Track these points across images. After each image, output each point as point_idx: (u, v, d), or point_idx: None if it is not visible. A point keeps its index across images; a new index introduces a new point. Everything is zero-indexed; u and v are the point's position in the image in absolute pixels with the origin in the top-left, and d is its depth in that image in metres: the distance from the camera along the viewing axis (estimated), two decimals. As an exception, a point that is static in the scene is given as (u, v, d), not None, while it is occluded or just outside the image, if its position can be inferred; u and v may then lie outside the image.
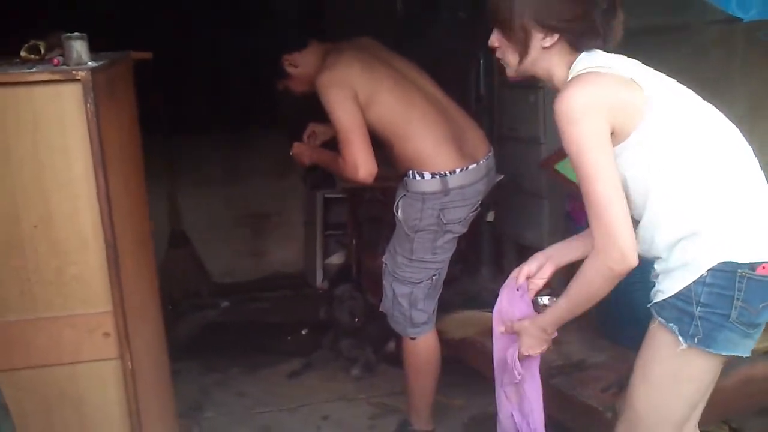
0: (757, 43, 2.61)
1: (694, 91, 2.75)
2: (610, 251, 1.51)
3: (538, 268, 1.87)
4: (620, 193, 1.53)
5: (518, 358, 1.82)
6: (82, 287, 1.72)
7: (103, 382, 1.79)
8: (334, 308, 3.63)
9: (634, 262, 1.52)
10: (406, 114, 2.38)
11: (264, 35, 2.75)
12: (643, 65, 1.66)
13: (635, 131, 1.54)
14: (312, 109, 2.51)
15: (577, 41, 1.61)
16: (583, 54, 1.62)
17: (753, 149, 2.64)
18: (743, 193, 1.57)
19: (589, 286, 1.59)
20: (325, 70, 2.38)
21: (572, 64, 1.62)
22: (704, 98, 2.72)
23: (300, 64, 2.50)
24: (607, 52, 1.63)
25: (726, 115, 2.70)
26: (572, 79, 1.59)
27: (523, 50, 1.63)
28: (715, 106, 2.73)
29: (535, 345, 1.78)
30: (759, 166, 1.62)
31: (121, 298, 1.75)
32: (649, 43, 3.04)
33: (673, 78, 2.79)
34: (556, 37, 1.61)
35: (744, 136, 2.68)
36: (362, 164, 2.32)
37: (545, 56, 1.64)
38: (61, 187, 1.67)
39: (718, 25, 2.73)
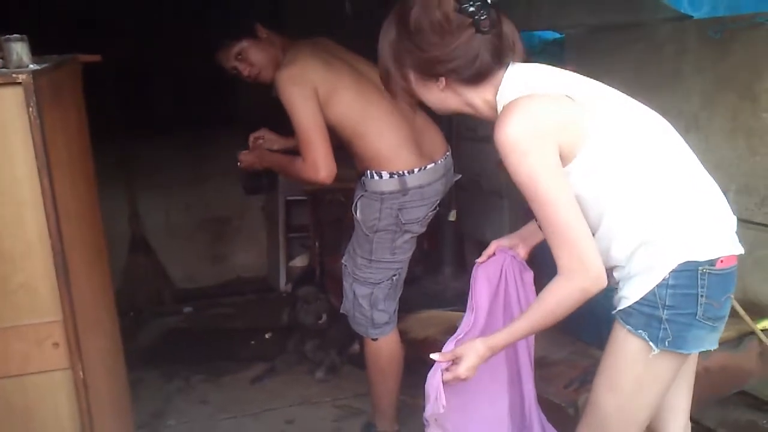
0: (708, 40, 2.65)
1: (648, 87, 2.80)
2: (582, 275, 1.47)
3: (511, 247, 1.86)
4: (581, 215, 1.49)
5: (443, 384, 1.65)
6: (29, 296, 1.66)
7: (54, 394, 1.73)
8: (299, 310, 3.60)
9: (605, 281, 1.49)
10: (364, 112, 2.36)
11: (223, 36, 2.71)
12: (569, 73, 1.61)
13: (582, 150, 1.50)
14: (271, 111, 2.48)
15: (469, 76, 1.54)
16: (506, 76, 1.55)
17: (705, 144, 2.70)
18: (691, 191, 1.56)
19: (558, 308, 1.53)
20: (285, 67, 2.35)
21: (495, 90, 1.55)
22: (658, 94, 2.79)
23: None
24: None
25: (680, 111, 2.77)
26: (507, 106, 1.51)
27: (413, 97, 1.62)
28: (669, 102, 2.79)
29: (476, 367, 1.63)
30: (696, 159, 1.60)
31: (72, 306, 1.69)
32: (604, 40, 3.08)
33: (628, 74, 2.83)
34: (443, 80, 1.56)
35: (697, 131, 2.74)
36: (323, 165, 2.29)
37: (450, 95, 1.59)
38: (4, 193, 1.61)
39: (670, 22, 2.77)
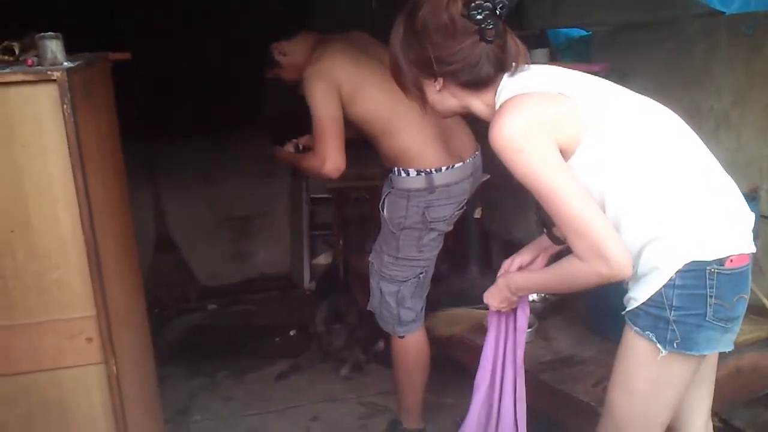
0: (740, 36, 2.61)
1: (678, 84, 2.77)
2: (599, 262, 1.44)
3: (532, 259, 1.84)
4: (593, 204, 1.47)
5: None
6: (63, 292, 1.69)
7: (87, 388, 1.76)
8: (317, 325, 3.60)
9: (629, 270, 1.46)
10: (393, 109, 2.35)
11: (246, 36, 2.72)
12: (569, 71, 1.61)
13: (581, 144, 1.49)
14: (295, 109, 2.49)
15: (467, 81, 1.57)
16: (505, 79, 1.57)
17: (737, 142, 2.67)
18: (699, 190, 1.52)
19: (573, 283, 1.55)
20: (312, 63, 2.37)
21: (495, 93, 1.58)
22: (689, 92, 2.75)
23: (289, 52, 2.50)
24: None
25: (710, 108, 2.74)
26: (501, 106, 1.53)
27: (423, 97, 1.65)
28: (700, 100, 2.75)
29: (496, 297, 1.80)
30: (710, 156, 1.57)
31: (104, 302, 1.72)
32: (632, 38, 3.05)
33: (658, 72, 2.80)
34: (440, 81, 1.59)
35: (728, 129, 2.71)
36: (330, 158, 2.30)
37: (448, 96, 1.63)
38: (39, 191, 1.64)
39: (701, 19, 2.73)
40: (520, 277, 1.77)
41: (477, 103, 1.62)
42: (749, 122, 2.63)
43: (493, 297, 1.81)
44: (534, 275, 1.74)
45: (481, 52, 1.52)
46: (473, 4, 1.49)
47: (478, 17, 1.49)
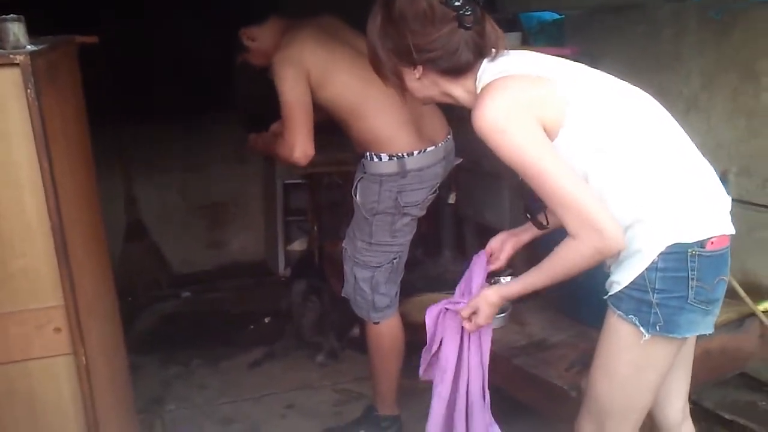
0: (709, 21, 2.63)
1: (649, 68, 2.79)
2: (593, 236, 1.44)
3: (501, 244, 1.86)
4: (580, 180, 1.47)
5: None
6: (29, 281, 1.64)
7: (56, 379, 1.72)
8: (293, 307, 3.59)
9: (622, 243, 1.46)
10: (363, 94, 2.34)
11: (219, 20, 2.68)
12: (548, 57, 1.62)
13: (564, 126, 1.50)
14: (270, 98, 2.46)
15: (447, 68, 1.57)
16: (485, 64, 1.57)
17: (706, 125, 2.69)
18: (679, 172, 1.53)
19: (573, 267, 1.52)
20: (282, 48, 2.35)
21: (475, 78, 1.58)
22: (659, 75, 2.77)
23: (258, 38, 2.49)
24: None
25: (680, 92, 2.76)
26: (483, 90, 1.54)
27: (402, 85, 1.65)
28: (670, 83, 2.77)
29: (491, 316, 1.72)
30: (689, 140, 1.58)
31: (73, 291, 1.68)
32: (604, 21, 3.06)
33: (629, 56, 2.81)
34: (420, 68, 1.59)
35: (697, 112, 2.73)
36: (299, 144, 2.29)
37: (428, 84, 1.63)
38: (4, 177, 1.59)
39: (670, 3, 2.75)
40: (517, 286, 1.67)
41: (458, 90, 1.62)
42: (718, 106, 2.66)
43: (487, 317, 1.71)
44: (530, 278, 1.62)
45: (460, 39, 1.52)
46: None
47: (456, 3, 1.49)
